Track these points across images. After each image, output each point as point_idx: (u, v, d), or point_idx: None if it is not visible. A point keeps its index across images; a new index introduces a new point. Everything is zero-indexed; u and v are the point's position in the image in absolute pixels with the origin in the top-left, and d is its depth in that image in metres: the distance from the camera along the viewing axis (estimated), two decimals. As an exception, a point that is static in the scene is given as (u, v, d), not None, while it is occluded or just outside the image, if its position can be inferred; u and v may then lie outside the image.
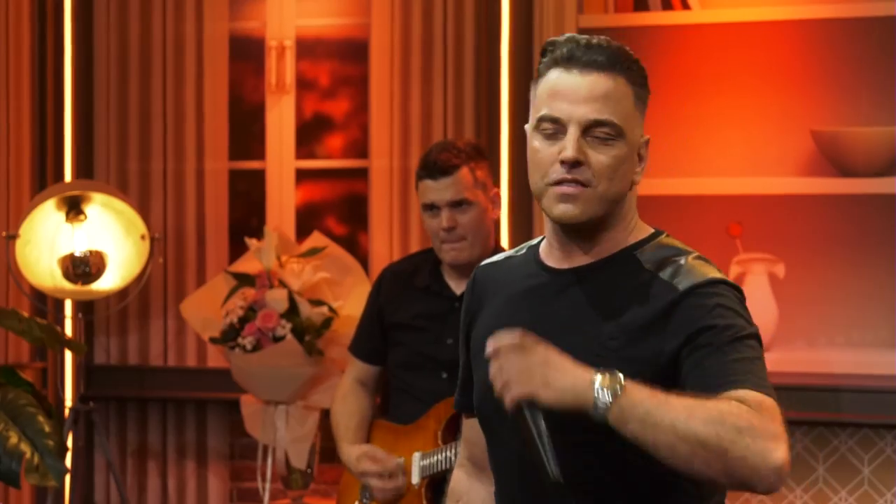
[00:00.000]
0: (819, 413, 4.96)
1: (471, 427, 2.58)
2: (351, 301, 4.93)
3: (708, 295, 2.28)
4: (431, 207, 4.05)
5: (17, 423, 4.00)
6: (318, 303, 4.96)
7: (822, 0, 4.96)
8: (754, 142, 5.00)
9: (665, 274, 2.32)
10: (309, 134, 5.66)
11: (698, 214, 5.05)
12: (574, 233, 2.36)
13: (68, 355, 5.51)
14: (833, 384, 4.94)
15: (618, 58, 2.35)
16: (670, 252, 2.36)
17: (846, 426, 4.98)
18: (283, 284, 4.97)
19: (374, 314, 4.26)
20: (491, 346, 2.20)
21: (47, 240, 5.18)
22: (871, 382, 4.91)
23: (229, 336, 4.97)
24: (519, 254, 2.51)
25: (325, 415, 4.94)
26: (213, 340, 5.06)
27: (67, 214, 5.18)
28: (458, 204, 4.00)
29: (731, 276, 5.01)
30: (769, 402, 2.19)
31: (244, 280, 5.04)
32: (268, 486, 5.15)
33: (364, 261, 5.34)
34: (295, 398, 5.02)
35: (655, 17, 5.09)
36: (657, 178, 5.02)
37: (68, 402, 5.44)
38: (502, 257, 2.55)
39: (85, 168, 5.69)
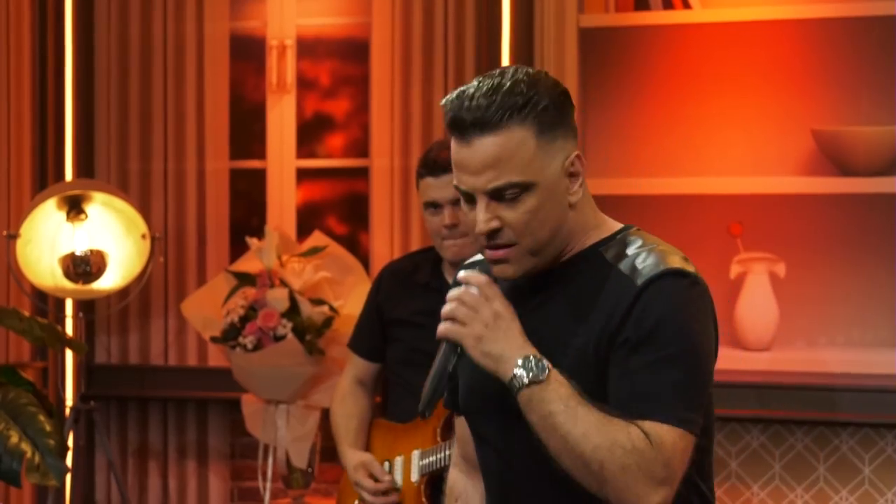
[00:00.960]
0: (819, 412, 4.97)
1: (463, 425, 2.60)
2: (352, 300, 4.94)
3: (661, 292, 2.26)
4: (433, 205, 4.05)
5: (18, 422, 4.01)
6: (318, 302, 4.96)
7: (823, 0, 4.97)
8: (755, 141, 5.00)
9: (625, 266, 2.32)
10: (310, 133, 5.66)
11: (699, 214, 5.05)
12: (531, 273, 2.37)
13: (69, 355, 5.51)
14: (834, 383, 4.94)
15: (503, 106, 2.26)
16: (632, 245, 2.35)
17: (847, 426, 4.98)
18: (283, 284, 4.97)
19: (373, 311, 4.27)
20: (461, 275, 2.30)
21: (48, 239, 5.18)
22: (872, 382, 4.92)
23: (230, 335, 4.98)
24: None
25: (326, 414, 4.94)
26: (213, 340, 5.07)
27: (68, 214, 5.18)
28: (457, 202, 3.99)
29: (732, 276, 5.01)
30: (671, 439, 2.18)
31: (245, 279, 5.04)
32: (268, 485, 5.15)
33: (365, 260, 5.35)
34: (296, 397, 5.02)
35: (656, 17, 5.09)
36: (658, 178, 5.02)
37: (69, 402, 5.44)
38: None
39: (86, 167, 5.69)
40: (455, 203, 3.99)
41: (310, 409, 5.05)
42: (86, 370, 5.48)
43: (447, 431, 4.03)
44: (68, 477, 4.94)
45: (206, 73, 5.60)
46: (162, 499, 5.68)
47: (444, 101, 2.32)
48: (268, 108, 5.60)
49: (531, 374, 2.20)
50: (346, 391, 4.28)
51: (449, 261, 4.13)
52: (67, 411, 5.31)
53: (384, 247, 5.36)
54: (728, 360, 5.03)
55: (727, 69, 5.02)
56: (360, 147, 5.58)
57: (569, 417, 2.18)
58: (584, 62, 5.13)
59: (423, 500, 4.05)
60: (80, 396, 5.38)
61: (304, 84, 5.63)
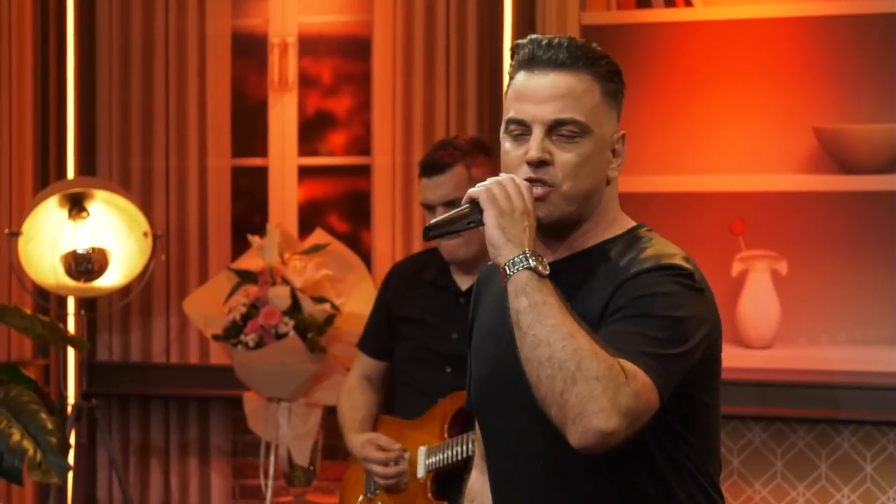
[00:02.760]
0: (821, 410, 4.97)
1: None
2: (353, 298, 4.94)
3: (652, 280, 2.28)
4: (427, 206, 4.09)
5: (20, 420, 4.01)
6: (320, 300, 4.97)
7: (825, -3, 4.97)
8: (757, 139, 5.00)
9: (624, 261, 2.33)
10: (311, 131, 5.66)
11: (701, 211, 5.05)
12: (551, 230, 2.37)
13: (71, 352, 5.51)
14: (835, 381, 4.94)
15: (580, 54, 2.34)
16: (638, 242, 2.37)
17: (848, 423, 4.98)
18: (285, 281, 4.97)
19: (382, 310, 4.29)
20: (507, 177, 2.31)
21: (50, 237, 5.18)
22: (874, 380, 4.91)
23: (232, 333, 4.98)
24: None
25: (328, 412, 4.94)
26: (215, 337, 5.07)
27: (70, 211, 5.18)
28: (449, 204, 3.99)
29: (734, 273, 5.01)
30: (642, 378, 2.16)
31: (247, 277, 5.04)
32: (270, 482, 5.16)
33: (366, 258, 5.35)
34: (297, 395, 5.02)
35: (658, 15, 5.09)
36: (660, 176, 5.02)
37: (71, 400, 5.44)
38: None
39: (87, 165, 5.69)
40: (447, 204, 4.00)
41: (311, 406, 5.05)
42: (87, 368, 5.48)
43: (454, 428, 4.03)
44: (70, 475, 4.94)
45: (208, 71, 5.60)
46: (164, 496, 5.68)
47: (516, 43, 2.38)
48: (269, 105, 5.60)
49: (535, 264, 2.21)
50: (353, 386, 4.31)
51: (447, 260, 4.15)
52: (69, 409, 5.31)
53: (386, 244, 5.36)
54: (730, 358, 4.99)
55: (729, 67, 5.02)
56: (362, 145, 5.57)
57: (561, 312, 2.17)
58: (585, 60, 5.12)
59: (430, 496, 4.05)
60: (81, 394, 5.38)
61: (306, 82, 5.63)
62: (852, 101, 4.93)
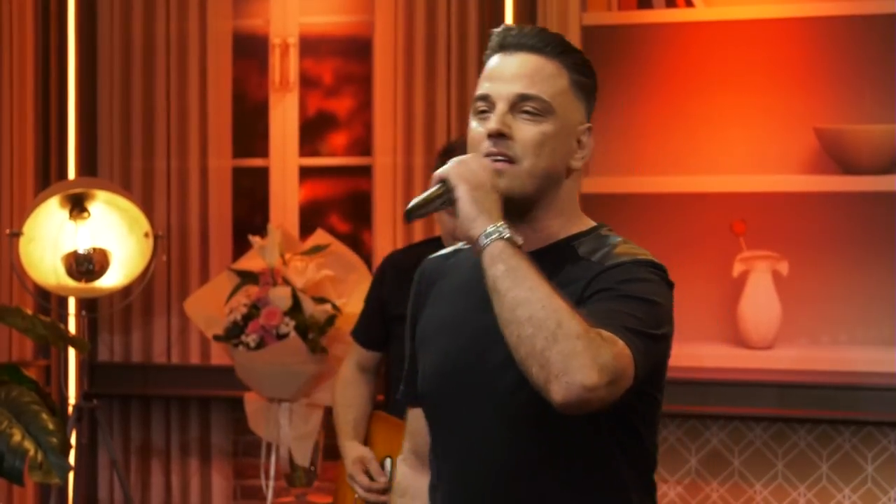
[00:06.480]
0: (822, 411, 4.97)
1: (416, 417, 2.59)
2: (354, 298, 4.93)
3: (632, 269, 2.31)
4: None
5: (21, 420, 4.01)
6: (321, 300, 4.97)
7: (826, -3, 4.97)
8: (758, 139, 5.00)
9: (596, 257, 2.36)
10: (312, 131, 5.66)
11: (702, 212, 5.05)
12: (509, 208, 2.37)
13: (72, 353, 5.52)
14: (836, 382, 4.94)
15: (551, 41, 2.39)
16: (605, 241, 2.40)
17: (849, 424, 4.98)
18: (286, 282, 4.97)
19: (375, 302, 4.28)
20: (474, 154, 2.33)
21: (51, 237, 5.18)
22: (875, 380, 4.92)
23: (233, 333, 4.98)
24: (466, 246, 2.52)
25: (329, 412, 4.94)
26: (216, 338, 5.07)
27: (71, 212, 5.18)
28: None
29: (735, 274, 5.01)
30: (621, 345, 2.18)
31: (248, 277, 5.04)
32: (271, 483, 5.16)
33: (367, 258, 5.35)
34: (298, 395, 5.03)
35: (659, 15, 5.09)
36: (661, 176, 5.02)
37: (72, 400, 5.44)
38: (451, 251, 2.58)
39: (88, 165, 5.69)
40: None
41: (312, 407, 5.05)
42: (88, 368, 5.48)
43: None
44: (71, 475, 4.94)
45: (209, 72, 5.60)
46: (165, 497, 5.68)
47: (490, 31, 2.43)
48: (271, 106, 5.60)
49: (509, 234, 2.22)
50: (347, 379, 4.31)
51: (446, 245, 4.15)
52: (70, 409, 5.31)
53: (387, 245, 5.36)
54: (730, 359, 5.04)
55: (730, 67, 5.02)
56: (363, 145, 5.58)
57: (538, 276, 2.19)
58: (586, 60, 5.13)
59: None
60: (82, 395, 5.38)
61: (307, 82, 5.63)
62: (853, 102, 4.94)
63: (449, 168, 2.31)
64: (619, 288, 2.27)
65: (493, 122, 2.34)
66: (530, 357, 2.15)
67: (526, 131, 2.34)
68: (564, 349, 2.12)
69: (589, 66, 2.42)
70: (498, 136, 2.33)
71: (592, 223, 2.45)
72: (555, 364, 2.12)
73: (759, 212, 5.01)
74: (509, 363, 2.21)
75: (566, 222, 2.41)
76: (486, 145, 2.35)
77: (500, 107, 2.35)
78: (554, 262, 2.36)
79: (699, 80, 5.04)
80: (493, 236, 2.22)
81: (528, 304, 2.16)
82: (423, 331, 2.51)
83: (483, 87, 2.39)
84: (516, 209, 2.36)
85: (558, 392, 2.13)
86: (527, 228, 2.37)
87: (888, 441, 4.96)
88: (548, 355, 2.13)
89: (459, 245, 2.56)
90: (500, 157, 2.34)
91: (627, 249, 2.36)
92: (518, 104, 2.35)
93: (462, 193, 2.27)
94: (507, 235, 2.22)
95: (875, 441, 4.98)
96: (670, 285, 2.36)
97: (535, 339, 2.14)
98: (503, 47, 2.39)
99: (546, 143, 2.34)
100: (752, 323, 5.04)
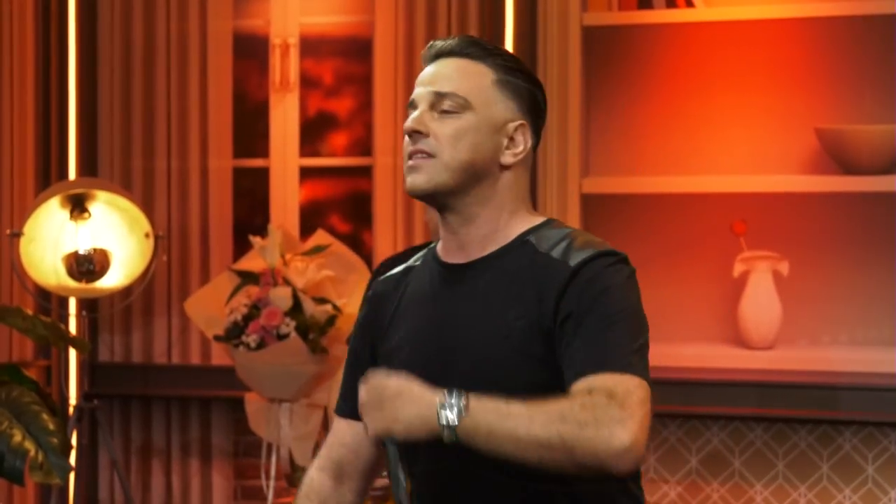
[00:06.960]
0: (823, 411, 4.97)
1: (347, 431, 2.57)
2: (354, 299, 4.93)
3: (597, 271, 2.32)
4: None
5: (22, 420, 4.01)
6: (321, 300, 4.97)
7: (826, -2, 4.98)
8: (758, 140, 5.00)
9: (557, 252, 2.36)
10: (313, 132, 5.66)
11: (702, 212, 5.05)
12: (448, 216, 2.41)
13: (72, 353, 5.52)
14: (837, 382, 4.94)
15: (474, 44, 2.43)
16: (560, 233, 2.40)
17: (850, 424, 4.98)
18: (287, 282, 4.97)
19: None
20: (362, 392, 2.29)
21: (51, 238, 5.18)
22: (875, 380, 4.92)
23: (233, 334, 4.98)
24: (417, 263, 2.55)
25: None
26: (217, 338, 5.07)
27: (71, 212, 5.18)
28: None
29: (735, 274, 5.01)
30: (624, 384, 2.20)
31: (248, 278, 5.04)
32: (272, 483, 5.16)
33: (368, 258, 5.35)
34: (299, 396, 5.03)
35: (659, 15, 5.09)
36: (661, 176, 5.02)
37: (72, 400, 5.44)
38: (401, 269, 2.58)
39: (89, 166, 5.69)
40: None
41: (313, 407, 5.05)
42: (89, 369, 5.48)
43: None
44: (71, 475, 4.93)
45: (210, 72, 5.60)
46: (165, 497, 5.68)
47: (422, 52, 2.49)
48: (271, 106, 5.61)
49: (455, 410, 2.20)
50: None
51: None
52: (71, 410, 5.31)
53: (387, 245, 5.36)
54: (731, 359, 5.04)
55: (730, 68, 5.02)
56: (364, 146, 5.58)
57: (508, 420, 2.18)
58: (587, 61, 5.13)
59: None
60: (83, 395, 5.38)
61: (308, 82, 5.63)
62: (853, 102, 4.94)
63: (370, 426, 2.28)
64: (597, 310, 2.28)
65: (408, 122, 2.39)
66: (569, 470, 2.19)
67: (442, 127, 2.38)
68: (584, 445, 2.15)
69: (520, 68, 2.45)
70: (415, 133, 2.38)
71: (542, 218, 2.46)
72: (590, 458, 2.16)
73: (759, 212, 5.01)
74: (475, 375, 2.26)
75: (511, 218, 2.42)
76: (407, 143, 2.40)
77: (421, 107, 2.40)
78: (515, 257, 2.38)
79: (699, 81, 5.04)
80: (448, 431, 2.20)
81: (525, 450, 2.18)
82: (388, 352, 2.50)
83: (413, 95, 2.44)
84: (445, 203, 2.40)
85: (618, 469, 2.17)
86: (470, 225, 2.40)
87: (889, 441, 4.96)
88: (579, 459, 2.16)
89: (411, 262, 2.56)
90: (419, 154, 2.38)
91: (585, 240, 2.37)
92: (436, 103, 2.39)
93: (400, 433, 2.25)
94: (455, 415, 2.20)
95: (876, 441, 4.98)
96: (633, 271, 2.38)
97: (559, 462, 2.18)
98: (430, 59, 2.44)
99: (463, 137, 2.37)
100: (753, 323, 5.04)
